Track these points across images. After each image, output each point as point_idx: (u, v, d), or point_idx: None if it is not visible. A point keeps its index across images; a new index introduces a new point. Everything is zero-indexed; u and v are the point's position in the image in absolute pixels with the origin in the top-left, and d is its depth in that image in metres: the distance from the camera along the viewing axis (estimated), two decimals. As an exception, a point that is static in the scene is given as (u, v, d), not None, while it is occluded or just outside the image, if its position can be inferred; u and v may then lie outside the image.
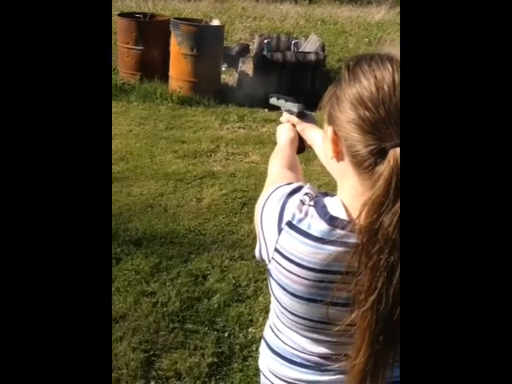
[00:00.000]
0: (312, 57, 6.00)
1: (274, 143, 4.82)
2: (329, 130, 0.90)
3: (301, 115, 1.38)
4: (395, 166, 0.78)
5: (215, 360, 2.33)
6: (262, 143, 4.89)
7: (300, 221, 0.89)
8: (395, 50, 0.86)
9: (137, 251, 3.05)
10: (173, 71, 5.79)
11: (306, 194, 0.92)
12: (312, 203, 0.90)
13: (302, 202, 0.91)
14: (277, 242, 0.92)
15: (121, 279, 2.79)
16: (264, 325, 2.58)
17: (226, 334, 2.50)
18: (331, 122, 0.89)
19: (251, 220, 3.50)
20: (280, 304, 0.98)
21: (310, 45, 6.67)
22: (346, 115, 0.85)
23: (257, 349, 2.41)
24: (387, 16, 11.71)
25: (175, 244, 3.17)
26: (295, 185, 0.96)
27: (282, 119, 1.34)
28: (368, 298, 0.82)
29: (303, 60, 5.98)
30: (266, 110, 5.74)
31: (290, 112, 1.40)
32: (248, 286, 2.86)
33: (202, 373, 2.26)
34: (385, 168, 0.79)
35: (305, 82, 6.03)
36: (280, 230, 0.91)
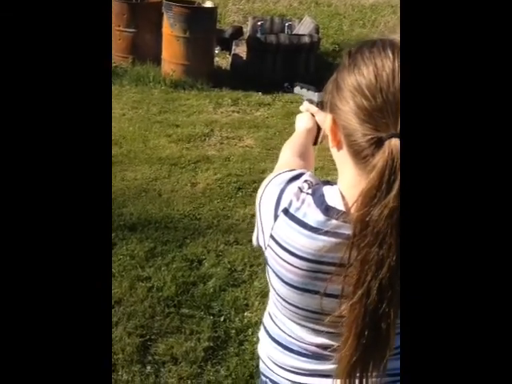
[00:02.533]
0: (306, 39, 5.95)
1: (268, 127, 4.82)
2: (328, 118, 0.89)
3: (321, 105, 1.37)
4: (390, 158, 0.76)
5: (211, 344, 2.34)
6: (257, 127, 4.85)
7: (296, 209, 0.88)
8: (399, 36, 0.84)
9: (131, 236, 3.03)
10: (165, 54, 5.72)
11: (306, 181, 0.91)
12: (310, 191, 0.89)
13: (300, 190, 0.90)
14: (272, 228, 0.91)
15: (115, 264, 2.78)
16: (260, 309, 2.60)
17: (222, 319, 2.50)
18: (331, 110, 0.88)
19: (246, 204, 3.49)
20: (276, 292, 0.98)
21: (303, 27, 6.60)
22: (345, 103, 0.83)
23: (253, 333, 2.42)
24: (381, -2, 11.62)
25: (170, 229, 3.16)
26: (297, 171, 0.95)
27: (301, 108, 1.33)
28: (356, 290, 0.82)
29: (297, 42, 5.93)
30: (260, 93, 5.69)
31: (311, 101, 1.38)
32: (243, 270, 2.86)
33: (198, 357, 2.26)
34: (379, 159, 0.77)
35: (299, 65, 5.98)
36: (276, 216, 0.90)
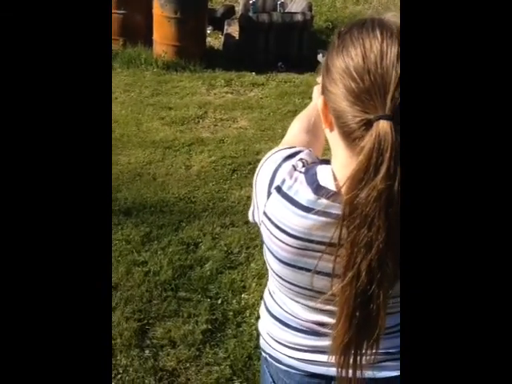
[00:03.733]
0: (299, 17, 5.88)
1: (262, 107, 4.77)
2: (319, 100, 0.88)
3: None
4: (377, 140, 0.75)
5: (209, 327, 2.35)
6: (251, 108, 4.82)
7: (289, 187, 0.89)
8: (392, 15, 0.83)
9: (127, 221, 3.02)
10: (156, 35, 5.65)
11: (301, 159, 0.91)
12: (303, 170, 0.89)
13: (294, 168, 0.90)
14: (265, 205, 0.92)
15: (111, 249, 2.78)
16: (257, 291, 2.61)
17: (220, 301, 2.51)
18: (322, 92, 0.87)
19: (241, 186, 3.48)
20: (271, 268, 0.99)
21: (296, 5, 6.52)
22: (334, 86, 0.82)
23: (250, 315, 2.43)
24: (374, -27, 11.48)
25: (165, 213, 3.15)
26: (294, 149, 0.95)
27: (318, 79, 1.31)
28: (347, 272, 0.82)
29: (290, 21, 5.86)
30: (254, 73, 5.65)
31: None
32: (240, 252, 2.86)
33: (196, 340, 2.27)
34: (367, 142, 0.77)
35: (292, 44, 5.93)
36: (269, 193, 0.91)
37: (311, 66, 5.85)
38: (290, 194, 0.88)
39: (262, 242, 0.97)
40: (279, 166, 0.92)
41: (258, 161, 3.48)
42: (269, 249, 0.95)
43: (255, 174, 0.98)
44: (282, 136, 3.78)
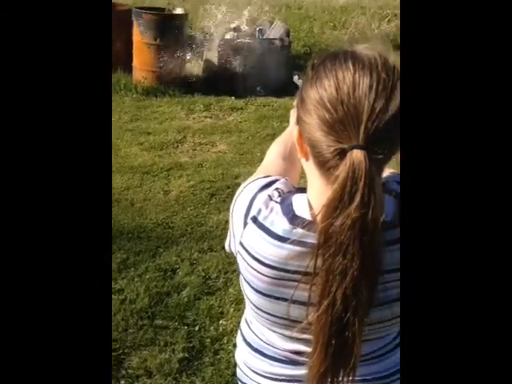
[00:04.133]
0: (277, 43, 5.96)
1: (241, 131, 4.78)
2: (294, 130, 0.89)
3: None
4: (351, 169, 0.77)
5: (186, 355, 2.31)
6: (229, 132, 4.84)
7: (265, 217, 0.89)
8: (363, 47, 0.84)
9: (103, 248, 2.98)
10: (136, 61, 5.68)
11: (277, 189, 0.92)
12: (279, 200, 0.90)
13: (270, 198, 0.91)
14: (241, 236, 0.92)
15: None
16: (235, 317, 2.57)
17: (197, 328, 2.47)
18: (297, 122, 0.88)
19: (220, 211, 3.47)
20: (248, 298, 0.98)
21: (274, 31, 6.61)
22: (308, 116, 0.83)
23: (228, 341, 2.40)
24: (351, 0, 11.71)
25: (143, 239, 3.12)
26: (270, 178, 0.96)
27: (294, 103, 1.33)
28: (322, 301, 0.82)
29: (268, 47, 5.93)
30: (233, 97, 5.68)
31: None
32: (218, 277, 2.83)
33: (172, 369, 2.23)
34: (341, 171, 0.78)
35: (270, 69, 5.98)
36: (245, 224, 0.92)
37: (289, 91, 5.92)
38: (266, 224, 0.89)
39: (239, 272, 0.97)
40: (255, 196, 0.93)
41: (237, 185, 3.50)
42: (245, 279, 0.95)
43: (232, 204, 0.98)
44: (261, 160, 3.79)
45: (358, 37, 8.62)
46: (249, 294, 0.96)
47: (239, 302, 2.63)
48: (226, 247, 1.01)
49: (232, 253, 0.98)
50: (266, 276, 0.90)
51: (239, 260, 0.94)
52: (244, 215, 0.92)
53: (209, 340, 2.40)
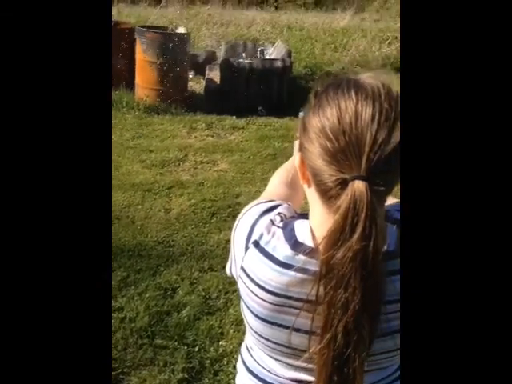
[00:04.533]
0: (279, 63, 6.01)
1: (243, 150, 4.79)
2: (296, 157, 0.89)
3: None
4: (352, 200, 0.76)
5: (185, 376, 2.28)
6: (231, 151, 4.85)
7: (267, 242, 0.88)
8: (367, 75, 0.84)
9: (103, 265, 2.97)
10: (139, 79, 5.72)
11: (279, 213, 0.91)
12: (281, 225, 0.89)
13: (272, 222, 0.90)
14: (243, 260, 0.91)
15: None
16: (235, 337, 2.56)
17: (197, 349, 2.45)
18: (300, 149, 0.87)
19: (221, 230, 3.47)
20: (248, 324, 0.97)
21: (276, 51, 6.68)
22: (310, 144, 0.82)
23: (228, 363, 2.38)
24: (352, 22, 11.83)
25: (143, 257, 3.11)
26: (273, 203, 0.95)
27: (298, 134, 1.33)
28: (324, 335, 0.81)
29: (270, 67, 5.99)
30: (234, 117, 5.72)
31: None
32: (218, 297, 2.82)
33: (172, 390, 2.21)
34: (343, 201, 0.77)
35: (272, 89, 6.04)
36: (247, 248, 0.90)
37: (290, 111, 5.96)
38: (268, 249, 0.87)
39: (240, 297, 0.96)
40: (257, 220, 0.92)
41: (238, 204, 3.50)
42: (246, 304, 0.93)
43: (233, 228, 0.97)
44: (262, 179, 3.84)
45: (359, 59, 8.71)
46: (249, 319, 0.94)
47: (239, 323, 2.62)
48: (227, 271, 0.99)
49: (233, 277, 0.97)
50: (267, 302, 0.88)
51: (240, 285, 0.93)
52: (246, 239, 0.91)
53: (208, 361, 2.38)
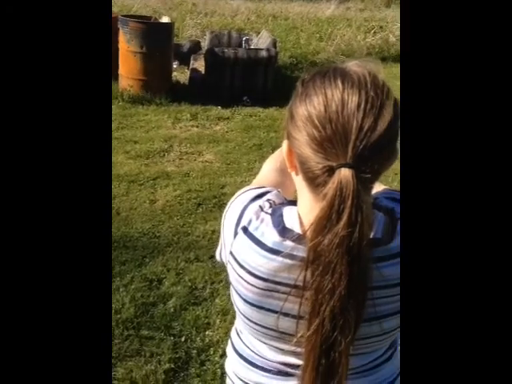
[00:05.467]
0: (264, 53, 5.99)
1: (228, 141, 4.78)
2: (284, 144, 0.89)
3: None
4: (338, 188, 0.77)
5: (172, 366, 2.29)
6: (216, 141, 4.84)
7: (255, 228, 0.89)
8: (353, 63, 0.84)
9: (88, 257, 2.95)
10: (122, 69, 5.66)
11: (268, 200, 0.92)
12: (270, 211, 0.90)
13: (261, 208, 0.91)
14: (232, 245, 0.92)
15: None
16: (221, 327, 2.56)
17: (183, 339, 2.46)
18: (287, 137, 0.88)
19: (206, 220, 3.46)
20: (237, 308, 0.98)
21: (261, 41, 6.65)
22: (297, 132, 0.83)
23: (214, 352, 2.39)
24: (337, 11, 11.81)
25: (129, 248, 3.09)
26: (262, 189, 0.96)
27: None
28: (312, 320, 0.82)
29: (255, 57, 5.96)
30: (219, 107, 5.69)
31: None
32: (204, 288, 2.82)
33: (158, 380, 2.21)
34: (329, 188, 0.78)
35: (257, 79, 6.01)
36: (236, 233, 0.91)
37: (276, 101, 5.95)
38: (256, 235, 0.89)
39: (229, 282, 0.97)
40: (246, 206, 0.93)
41: (224, 194, 3.49)
42: (235, 289, 0.94)
43: (223, 214, 0.98)
44: (248, 169, 3.83)
45: (344, 49, 8.70)
46: (239, 304, 0.96)
47: (226, 312, 2.62)
48: (217, 257, 1.00)
49: (223, 262, 0.98)
50: (255, 287, 0.90)
51: (229, 270, 0.94)
52: (235, 225, 0.92)
53: (195, 351, 2.39)
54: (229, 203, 0.98)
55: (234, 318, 2.71)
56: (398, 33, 9.54)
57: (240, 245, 0.90)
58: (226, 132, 5.13)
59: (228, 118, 5.47)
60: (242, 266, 0.90)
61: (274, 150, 4.60)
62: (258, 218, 0.90)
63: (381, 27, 9.91)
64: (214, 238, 3.27)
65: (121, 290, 2.72)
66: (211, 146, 4.73)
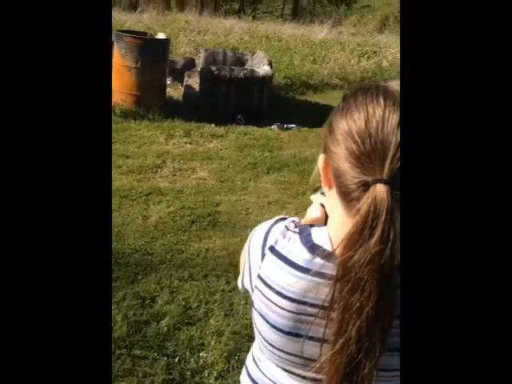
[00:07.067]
0: (260, 73, 5.99)
1: (222, 159, 4.76)
2: (320, 158, 0.89)
3: None
4: (373, 203, 0.76)
5: (165, 388, 2.21)
6: (210, 159, 4.79)
7: (282, 247, 0.88)
8: (395, 83, 0.86)
9: (79, 272, 2.87)
10: (115, 84, 5.60)
11: (293, 221, 0.92)
12: (297, 230, 0.90)
13: (287, 228, 0.90)
14: (259, 267, 0.91)
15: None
16: (216, 349, 2.49)
17: (177, 360, 2.37)
18: (324, 150, 0.88)
19: (200, 238, 3.40)
20: (261, 336, 0.95)
21: (257, 61, 6.67)
22: (336, 146, 0.84)
23: (209, 375, 2.31)
24: (329, 35, 11.96)
25: (121, 264, 3.01)
26: (283, 216, 0.97)
27: (311, 197, 1.32)
28: (337, 340, 0.80)
29: (251, 76, 5.96)
30: (213, 124, 5.67)
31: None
32: (198, 307, 2.74)
33: (151, 402, 2.12)
34: (363, 203, 0.77)
35: (252, 98, 6.01)
36: (263, 255, 0.90)
37: (270, 121, 5.95)
38: (284, 252, 0.87)
39: (253, 309, 0.94)
40: (271, 227, 0.93)
41: (218, 213, 3.44)
42: (261, 315, 0.91)
43: (247, 244, 0.97)
44: (242, 188, 3.81)
45: (338, 72, 8.76)
46: (264, 330, 0.93)
47: (221, 333, 2.55)
48: (239, 286, 0.99)
49: (246, 291, 0.96)
50: (285, 310, 0.87)
51: (256, 296, 0.92)
52: (261, 247, 0.91)
53: (189, 372, 2.30)
54: (250, 234, 0.98)
55: (228, 339, 2.64)
56: (391, 58, 9.65)
57: (268, 265, 0.89)
58: (220, 149, 5.10)
59: (222, 136, 5.45)
60: (270, 287, 0.88)
61: (268, 169, 4.61)
62: (284, 236, 0.89)
63: (374, 52, 10.03)
64: (208, 256, 3.21)
65: (113, 307, 2.64)
66: (205, 164, 4.69)
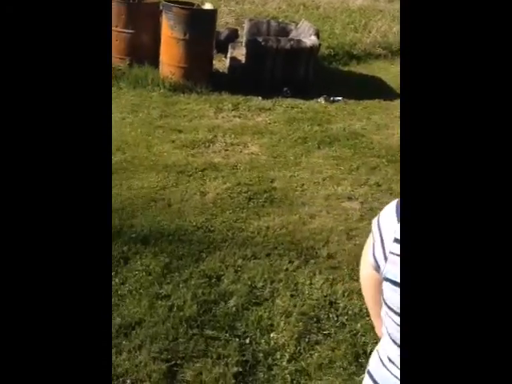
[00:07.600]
0: (307, 43, 5.86)
1: (272, 133, 4.73)
2: None
3: None
4: None
5: (240, 370, 2.22)
6: (260, 133, 4.74)
7: None
8: None
9: (145, 250, 2.89)
10: (164, 56, 5.57)
11: None
12: None
13: None
14: (394, 231, 0.93)
15: (132, 280, 2.65)
16: (286, 330, 2.48)
17: (248, 341, 2.39)
18: None
19: (259, 216, 3.38)
20: (393, 311, 0.92)
21: (301, 30, 6.51)
22: None
23: (281, 356, 2.32)
24: (366, 2, 11.59)
25: (184, 242, 3.02)
26: None
27: None
28: None
29: (298, 47, 5.83)
30: (260, 97, 5.59)
31: None
32: (264, 287, 2.74)
33: (228, 384, 2.14)
34: None
35: (298, 70, 5.89)
36: (398, 220, 0.93)
37: (316, 93, 5.83)
38: None
39: (387, 282, 0.94)
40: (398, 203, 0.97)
41: (274, 189, 3.40)
42: (398, 283, 0.91)
43: (375, 219, 1.01)
44: (295, 164, 3.76)
45: (380, 40, 8.52)
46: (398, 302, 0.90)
47: (289, 314, 2.55)
48: (370, 257, 1.01)
49: (376, 262, 0.99)
50: None
51: (390, 261, 0.93)
52: (395, 211, 0.95)
53: (261, 354, 2.32)
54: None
55: (297, 320, 2.62)
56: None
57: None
58: (269, 124, 5.03)
59: (269, 109, 5.37)
60: None
61: (319, 144, 4.51)
62: None
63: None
64: (268, 234, 3.19)
65: (181, 285, 2.66)
66: (256, 138, 4.64)
